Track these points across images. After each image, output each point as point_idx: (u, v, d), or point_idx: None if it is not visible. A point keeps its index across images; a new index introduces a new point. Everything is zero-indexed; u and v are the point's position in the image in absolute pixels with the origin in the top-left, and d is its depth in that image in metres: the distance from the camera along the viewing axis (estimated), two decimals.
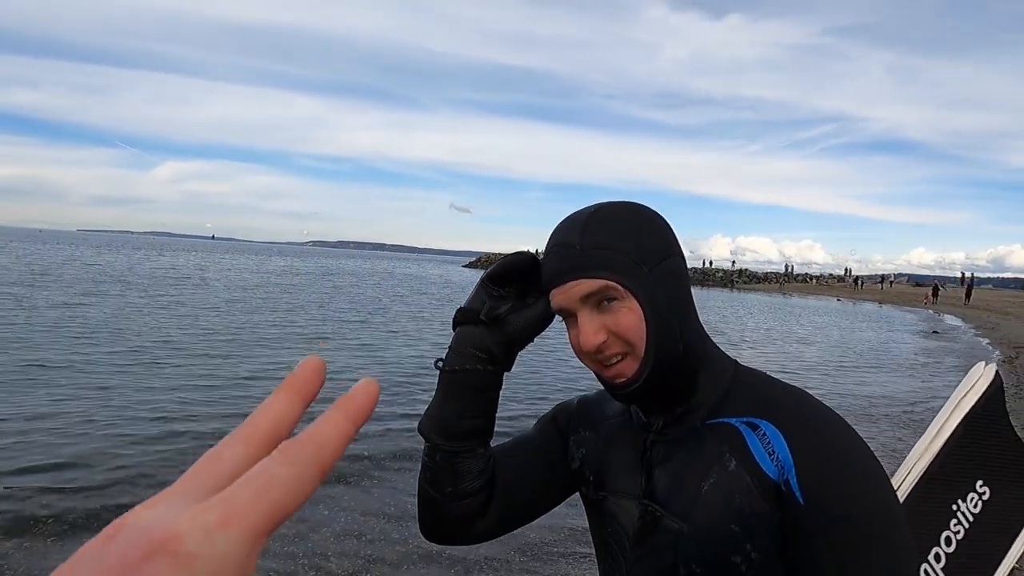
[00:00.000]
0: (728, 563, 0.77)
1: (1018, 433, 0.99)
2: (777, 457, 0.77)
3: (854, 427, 0.80)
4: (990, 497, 0.97)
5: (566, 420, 1.03)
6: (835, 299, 50.72)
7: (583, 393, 1.07)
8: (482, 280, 0.91)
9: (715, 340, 0.88)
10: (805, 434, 0.77)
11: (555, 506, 1.02)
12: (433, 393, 0.92)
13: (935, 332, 22.56)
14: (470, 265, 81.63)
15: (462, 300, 0.92)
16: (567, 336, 0.86)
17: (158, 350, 9.96)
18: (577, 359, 0.86)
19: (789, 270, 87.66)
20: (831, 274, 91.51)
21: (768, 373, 0.89)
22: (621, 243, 0.82)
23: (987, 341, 19.29)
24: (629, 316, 0.80)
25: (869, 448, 0.78)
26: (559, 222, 0.87)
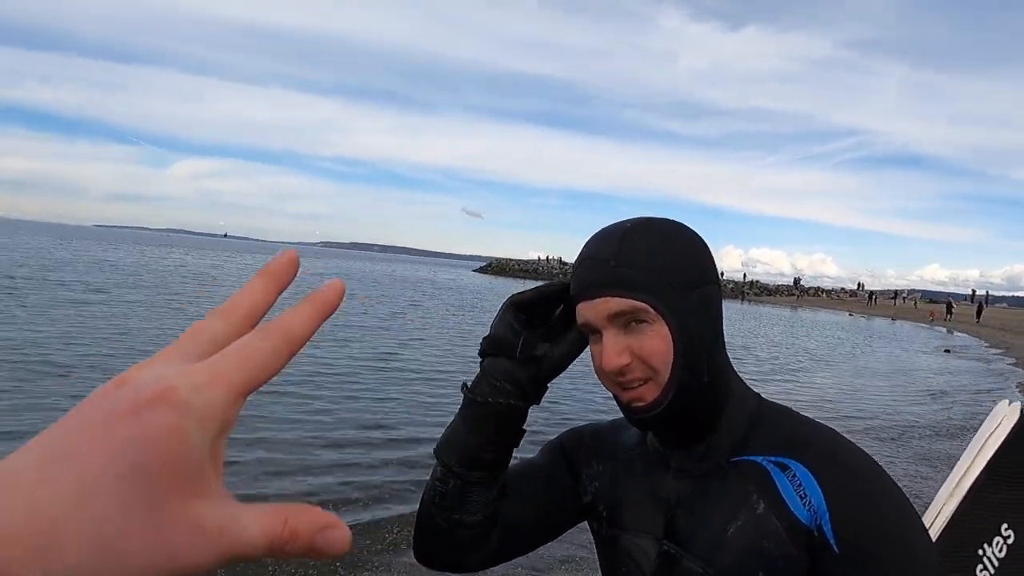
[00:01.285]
0: None
1: None
2: (809, 501, 0.74)
3: (876, 457, 0.78)
4: (1015, 541, 0.96)
5: (575, 448, 1.00)
6: (847, 313, 50.32)
7: (594, 421, 1.04)
8: (509, 306, 0.88)
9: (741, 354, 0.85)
10: (838, 477, 0.74)
11: (556, 537, 0.99)
12: (455, 414, 0.90)
13: (947, 351, 22.34)
14: (480, 270, 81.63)
15: (477, 307, 0.91)
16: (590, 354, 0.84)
17: None
18: (596, 376, 0.83)
19: (798, 283, 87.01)
20: (843, 288, 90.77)
21: (792, 408, 0.85)
22: (657, 263, 0.78)
23: (1011, 362, 19.07)
24: (656, 341, 0.77)
25: (902, 491, 0.76)
26: (595, 233, 0.85)
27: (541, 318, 0.89)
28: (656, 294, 0.77)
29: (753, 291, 74.99)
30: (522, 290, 0.88)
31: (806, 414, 0.85)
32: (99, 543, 0.22)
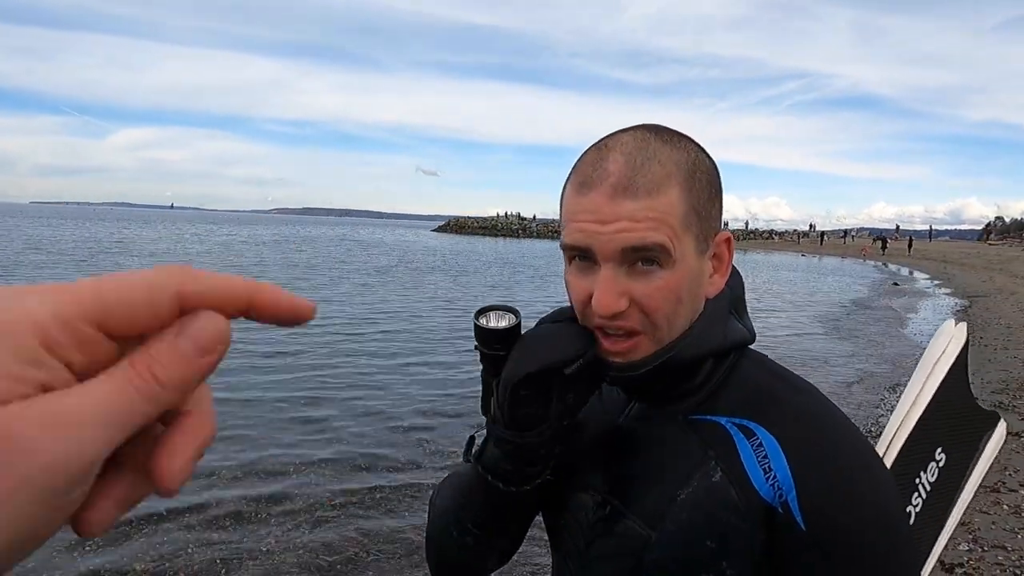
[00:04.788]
0: None
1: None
2: (774, 475, 0.66)
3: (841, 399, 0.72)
4: (945, 463, 0.93)
5: None
6: (799, 254, 51.65)
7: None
8: (511, 390, 0.69)
9: None
10: (809, 448, 0.66)
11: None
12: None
13: (896, 284, 23.19)
14: (440, 229, 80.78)
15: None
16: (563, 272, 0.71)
17: None
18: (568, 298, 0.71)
19: (747, 226, 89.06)
20: (795, 230, 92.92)
21: (769, 357, 0.77)
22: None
23: (947, 291, 19.91)
24: (665, 291, 0.66)
25: (880, 460, 0.70)
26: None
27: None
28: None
29: None
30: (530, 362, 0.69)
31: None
32: None
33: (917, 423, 0.91)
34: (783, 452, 0.66)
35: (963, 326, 0.98)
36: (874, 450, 0.69)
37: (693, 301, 0.70)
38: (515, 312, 0.73)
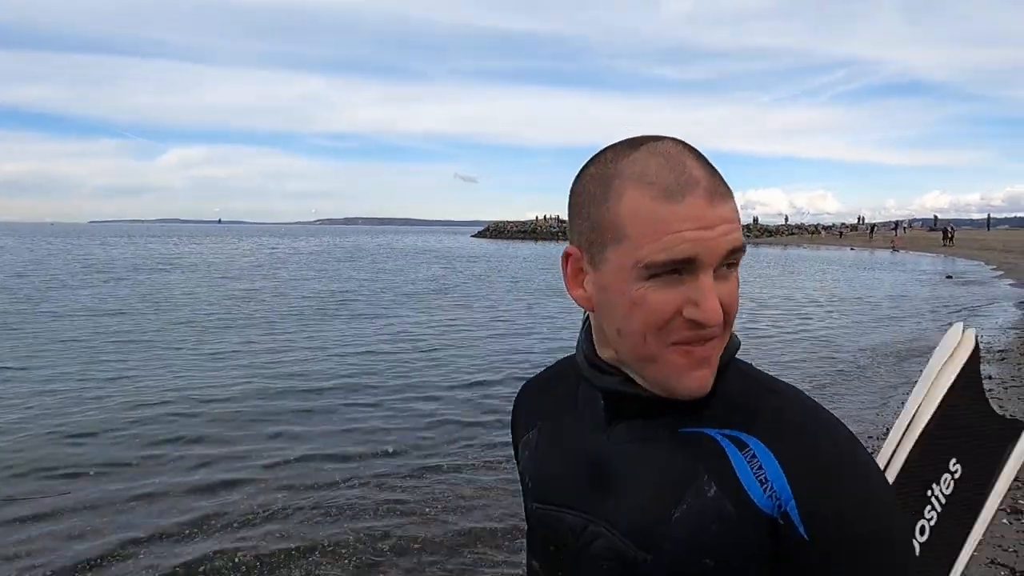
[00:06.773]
0: None
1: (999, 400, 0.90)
2: (771, 486, 0.64)
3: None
4: (961, 475, 0.89)
5: (514, 421, 0.90)
6: (849, 248, 50.12)
7: (527, 378, 0.90)
8: None
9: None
10: (804, 457, 0.64)
11: None
12: None
13: (948, 277, 22.32)
14: (479, 234, 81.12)
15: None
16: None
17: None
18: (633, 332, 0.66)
19: (787, 221, 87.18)
20: (844, 223, 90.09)
21: (754, 365, 0.74)
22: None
23: (1010, 282, 19.03)
24: (736, 288, 0.68)
25: (875, 463, 0.68)
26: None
27: None
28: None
29: (752, 233, 74.60)
30: None
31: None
32: None
33: (923, 433, 0.86)
34: (778, 462, 0.64)
35: (971, 332, 0.92)
36: (867, 453, 0.67)
37: None
38: None
